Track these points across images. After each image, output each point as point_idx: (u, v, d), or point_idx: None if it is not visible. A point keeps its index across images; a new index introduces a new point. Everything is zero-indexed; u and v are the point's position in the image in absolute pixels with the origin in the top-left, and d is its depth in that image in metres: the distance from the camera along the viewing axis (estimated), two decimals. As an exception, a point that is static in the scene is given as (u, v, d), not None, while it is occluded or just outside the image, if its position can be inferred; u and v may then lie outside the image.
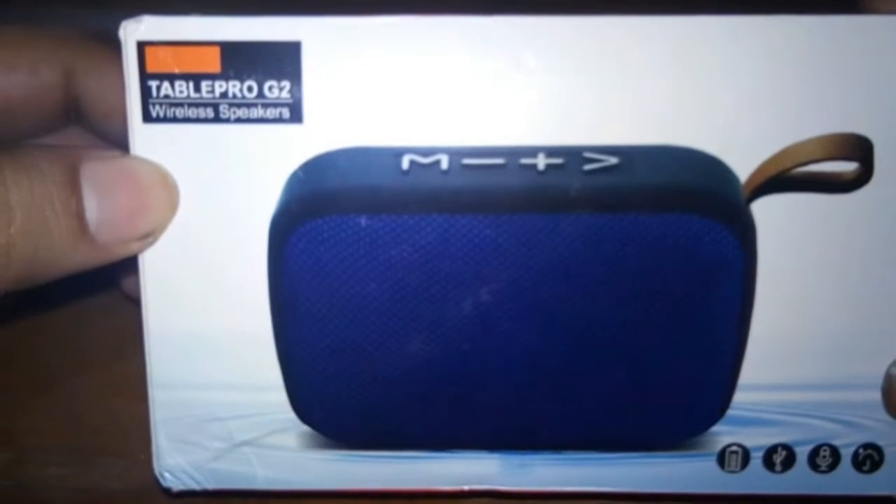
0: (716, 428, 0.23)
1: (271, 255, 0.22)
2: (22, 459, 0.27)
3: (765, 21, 0.21)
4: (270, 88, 0.21)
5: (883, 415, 0.23)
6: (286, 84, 0.21)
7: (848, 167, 0.21)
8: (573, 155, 0.21)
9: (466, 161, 0.21)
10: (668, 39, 0.21)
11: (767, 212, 0.21)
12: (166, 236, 0.22)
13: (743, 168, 0.21)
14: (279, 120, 0.21)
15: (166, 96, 0.21)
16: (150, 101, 0.21)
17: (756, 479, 0.23)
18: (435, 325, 0.22)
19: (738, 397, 0.23)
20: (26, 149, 0.21)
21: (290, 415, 0.23)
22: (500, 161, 0.21)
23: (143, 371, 0.23)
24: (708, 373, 0.22)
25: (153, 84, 0.21)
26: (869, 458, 0.23)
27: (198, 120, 0.21)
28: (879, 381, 0.22)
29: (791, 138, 0.21)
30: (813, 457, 0.23)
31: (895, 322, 0.22)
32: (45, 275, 0.21)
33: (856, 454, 0.23)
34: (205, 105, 0.21)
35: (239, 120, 0.21)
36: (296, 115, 0.21)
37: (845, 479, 0.23)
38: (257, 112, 0.21)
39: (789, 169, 0.21)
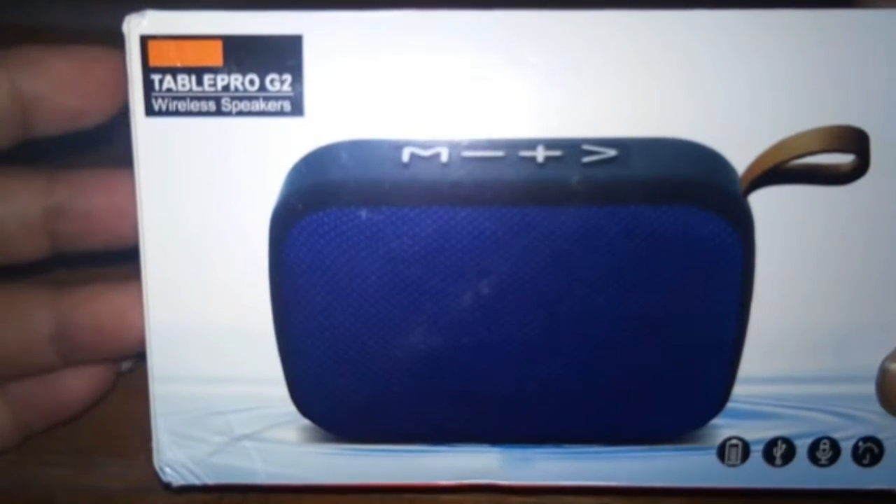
0: (715, 421, 0.23)
1: (272, 249, 0.22)
2: (22, 459, 0.27)
3: (762, 15, 0.21)
4: (272, 82, 0.21)
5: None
6: (287, 77, 0.21)
7: (844, 159, 0.21)
8: (572, 147, 0.21)
9: (466, 153, 0.21)
10: (667, 34, 0.21)
11: (765, 204, 0.21)
12: (167, 229, 0.22)
13: (740, 160, 0.21)
14: (280, 113, 0.21)
15: (169, 90, 0.21)
16: (153, 94, 0.21)
17: (756, 473, 0.23)
18: (435, 317, 0.22)
19: (738, 390, 0.23)
20: None
21: (291, 408, 0.23)
22: (499, 153, 0.21)
23: (142, 371, 0.23)
24: (707, 365, 0.22)
25: (156, 78, 0.21)
26: (869, 451, 0.23)
27: (200, 113, 0.21)
28: (877, 374, 0.23)
29: (788, 130, 0.21)
30: (813, 450, 0.23)
31: (894, 314, 0.22)
32: None
33: (856, 447, 0.23)
34: (207, 98, 0.21)
35: (240, 113, 0.21)
36: (297, 109, 0.21)
37: (845, 473, 0.23)
38: (259, 105, 0.21)
39: (786, 161, 0.21)
